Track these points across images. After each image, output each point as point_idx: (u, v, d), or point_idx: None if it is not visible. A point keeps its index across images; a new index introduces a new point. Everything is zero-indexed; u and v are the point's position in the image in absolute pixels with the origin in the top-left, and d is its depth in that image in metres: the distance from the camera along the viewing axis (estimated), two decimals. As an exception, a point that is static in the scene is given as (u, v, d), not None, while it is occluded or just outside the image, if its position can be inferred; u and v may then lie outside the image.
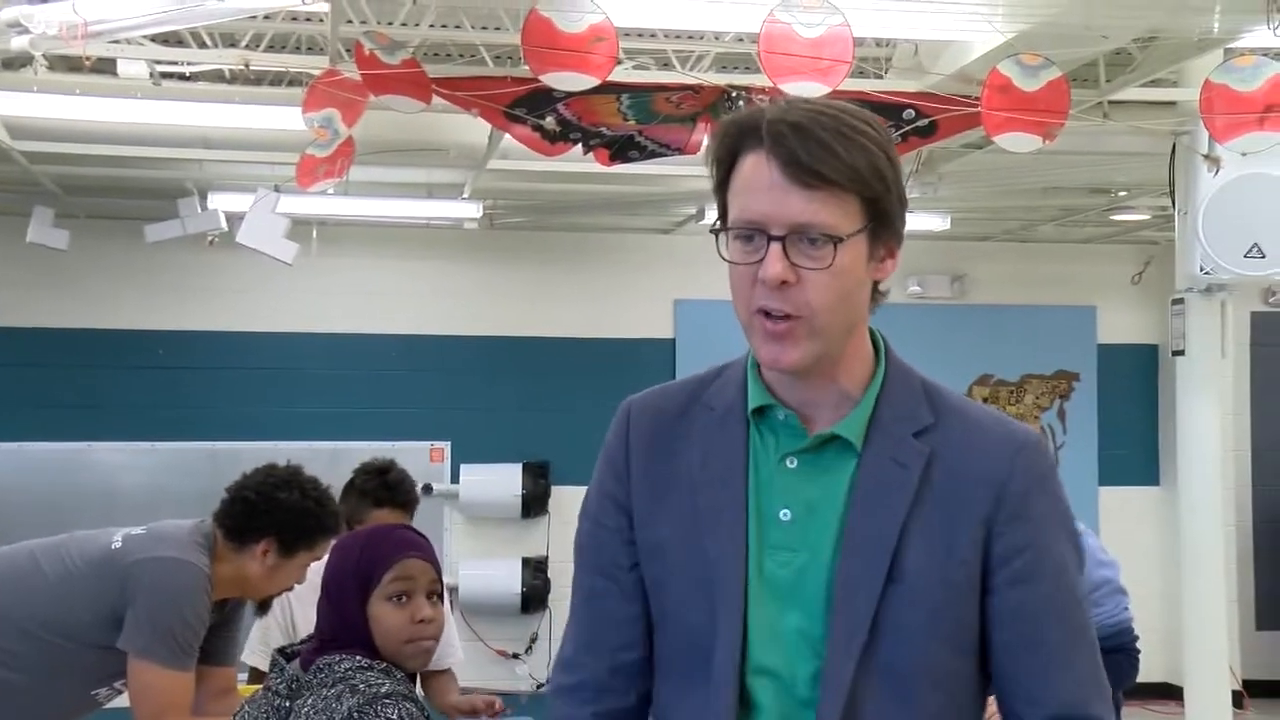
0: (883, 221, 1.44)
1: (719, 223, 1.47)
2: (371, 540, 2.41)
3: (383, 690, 2.21)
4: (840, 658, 1.42)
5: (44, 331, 7.75)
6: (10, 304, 7.72)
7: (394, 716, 2.17)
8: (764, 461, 1.50)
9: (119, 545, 3.05)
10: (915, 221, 7.08)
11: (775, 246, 1.40)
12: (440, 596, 2.37)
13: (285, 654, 2.37)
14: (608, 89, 4.31)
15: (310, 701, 2.23)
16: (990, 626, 1.46)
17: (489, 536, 8.18)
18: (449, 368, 8.12)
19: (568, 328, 8.24)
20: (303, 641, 2.40)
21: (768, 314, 1.42)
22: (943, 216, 7.28)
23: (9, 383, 7.63)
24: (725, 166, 1.46)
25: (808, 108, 1.44)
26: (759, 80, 4.29)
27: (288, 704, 2.26)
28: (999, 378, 8.69)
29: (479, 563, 8.04)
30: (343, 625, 2.30)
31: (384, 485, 3.79)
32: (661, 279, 8.20)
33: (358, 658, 2.27)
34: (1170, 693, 6.79)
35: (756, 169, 1.42)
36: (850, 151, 1.40)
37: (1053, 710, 1.45)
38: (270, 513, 3.09)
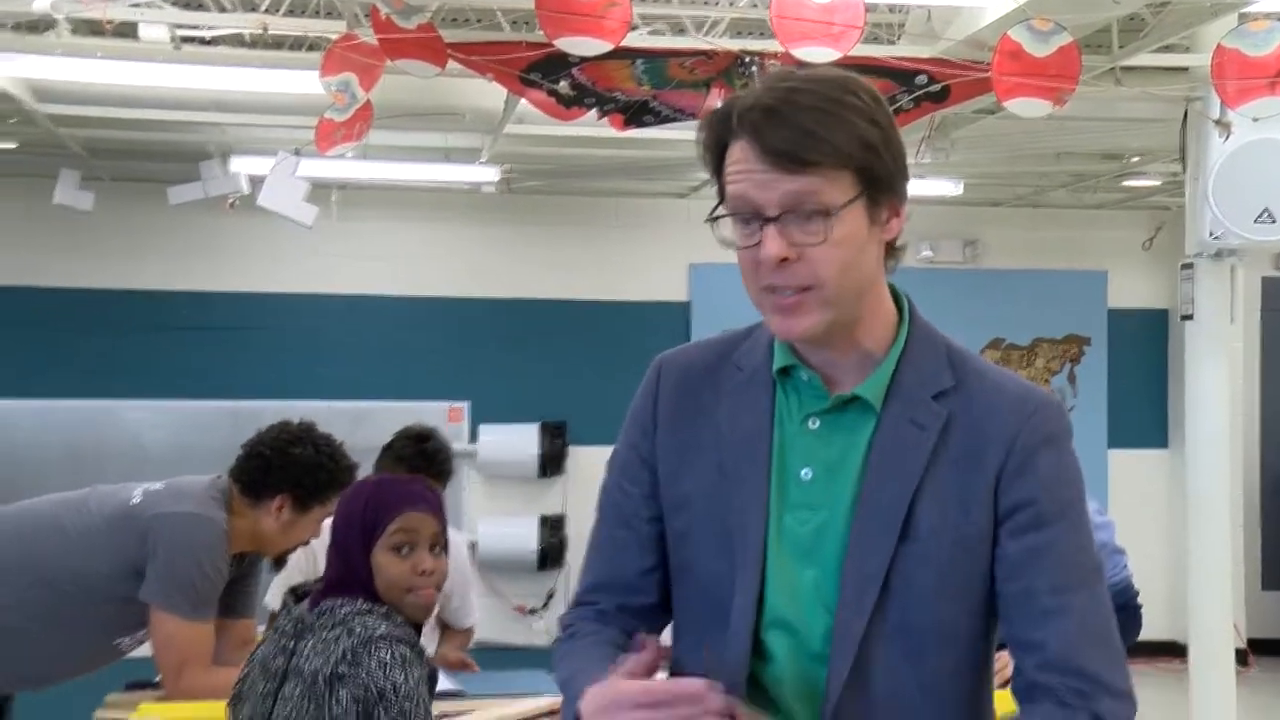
0: (878, 187, 1.43)
1: (718, 207, 1.47)
2: (378, 490, 2.44)
3: (378, 632, 2.26)
4: (851, 614, 1.43)
5: (70, 291, 7.78)
6: (38, 264, 7.75)
7: (387, 658, 2.22)
8: (787, 421, 1.50)
9: (138, 500, 3.08)
10: (928, 187, 7.12)
11: (770, 228, 1.40)
12: (444, 549, 2.40)
13: (296, 595, 2.40)
14: (622, 54, 4.28)
15: (311, 642, 2.28)
16: (996, 579, 1.46)
17: (507, 495, 8.21)
18: (468, 329, 8.13)
19: (585, 290, 8.24)
20: (316, 583, 2.42)
21: (776, 290, 1.43)
22: (955, 181, 7.24)
23: (37, 341, 7.67)
24: (716, 155, 1.46)
25: (785, 87, 1.43)
26: (772, 45, 4.25)
27: (293, 644, 2.30)
28: (1010, 341, 8.66)
29: (497, 521, 8.08)
30: (348, 571, 2.34)
31: (421, 453, 3.83)
32: (677, 243, 8.19)
33: (360, 602, 2.31)
34: (1175, 651, 6.81)
35: (741, 156, 1.42)
36: (829, 128, 1.39)
37: (1045, 658, 1.44)
38: (285, 468, 3.11)
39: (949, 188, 7.26)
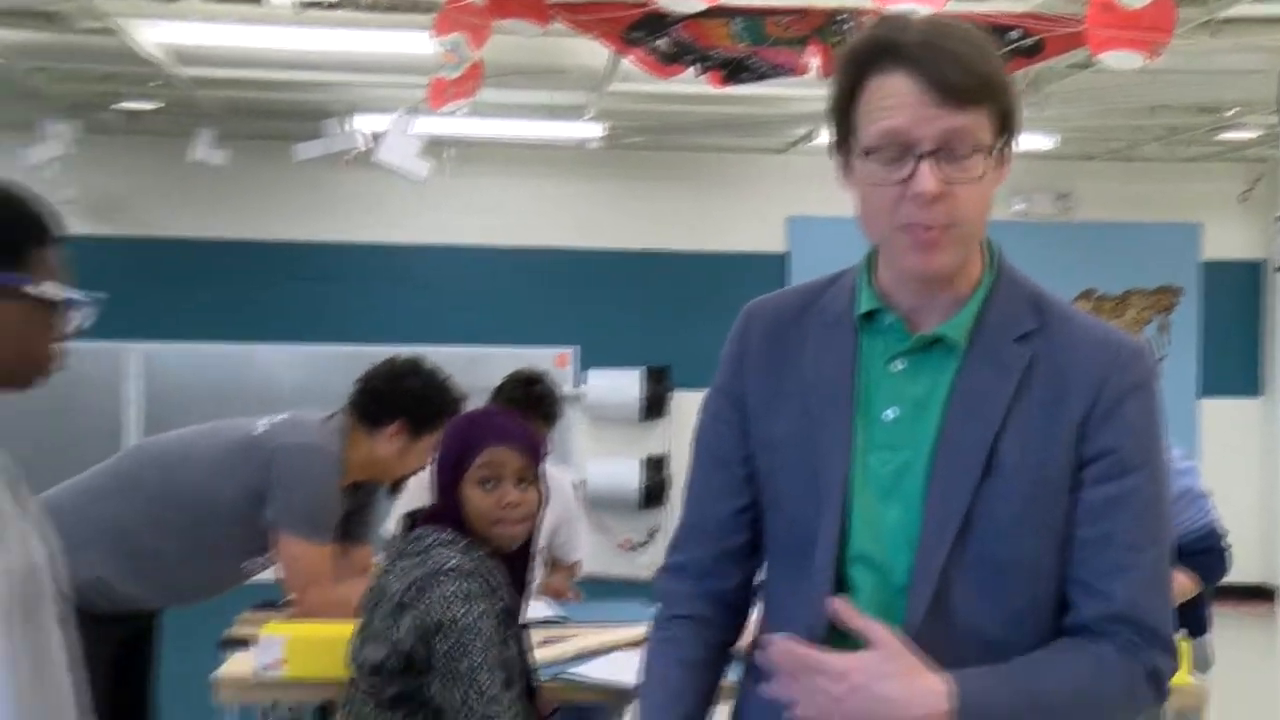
0: (1010, 130, 1.41)
1: (839, 143, 1.43)
2: (469, 426, 2.45)
3: (448, 565, 2.27)
4: (932, 548, 1.40)
5: (207, 242, 7.97)
6: (177, 218, 7.94)
7: (449, 591, 2.23)
8: (871, 364, 1.47)
9: (261, 431, 3.16)
10: (1022, 141, 6.91)
11: (926, 163, 1.35)
12: (532, 483, 2.39)
13: (412, 520, 2.44)
14: (720, 12, 4.22)
15: (397, 568, 2.31)
16: (1071, 523, 1.42)
17: (612, 437, 8.25)
18: (576, 279, 8.17)
19: (687, 242, 8.22)
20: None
21: (915, 226, 1.38)
22: (1049, 135, 7.04)
23: (182, 288, 7.87)
24: (852, 86, 1.40)
25: (936, 24, 1.39)
26: (866, 3, 4.16)
27: (390, 566, 2.34)
28: (1102, 292, 8.44)
29: (603, 461, 8.13)
30: (442, 502, 2.36)
31: (528, 396, 3.85)
32: (775, 197, 8.13)
33: (446, 532, 2.32)
34: (1265, 595, 6.64)
35: (897, 87, 1.36)
36: (985, 66, 1.37)
37: (1111, 609, 1.41)
38: (398, 397, 3.18)
39: (1042, 142, 7.07)
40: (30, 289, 1.59)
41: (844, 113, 1.41)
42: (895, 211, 1.38)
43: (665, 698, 1.54)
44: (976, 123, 1.36)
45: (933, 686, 1.34)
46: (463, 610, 2.22)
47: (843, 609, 1.39)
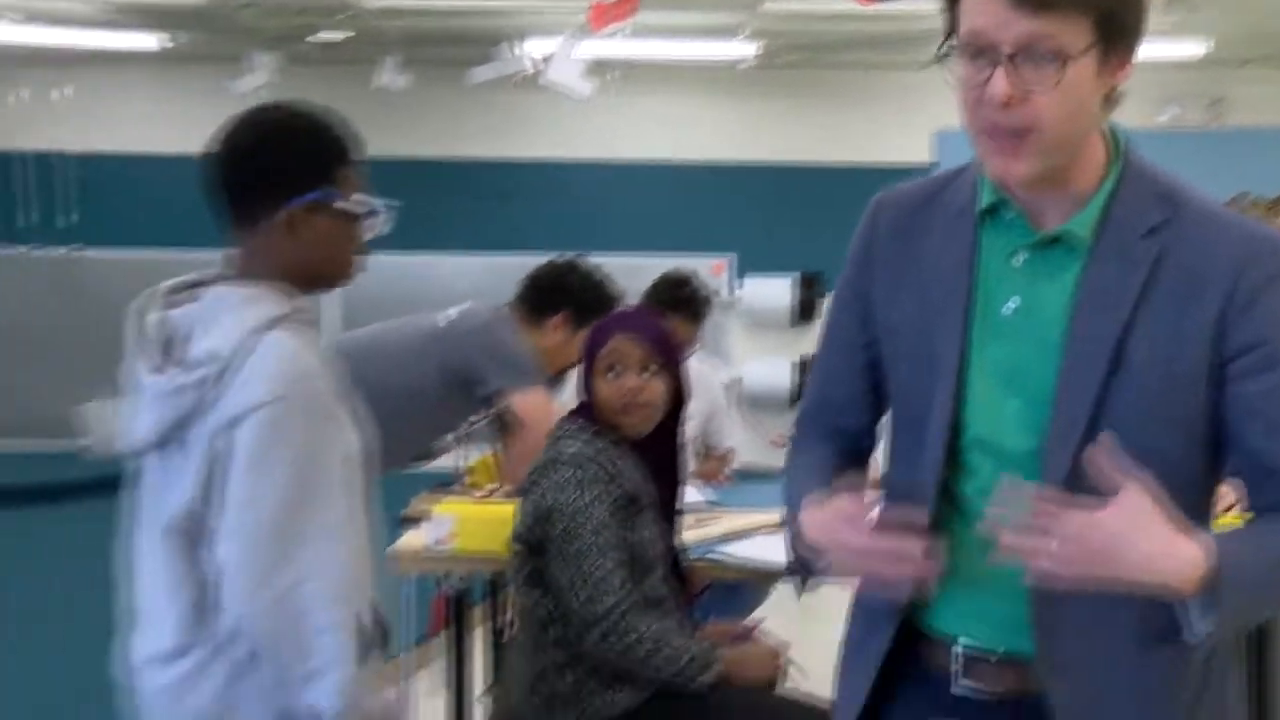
0: (1115, 36, 1.30)
1: (947, 43, 1.36)
2: (600, 322, 2.49)
3: (568, 452, 2.30)
4: (1060, 444, 1.34)
5: (390, 161, 8.17)
6: (366, 140, 8.12)
7: (562, 478, 2.26)
8: (992, 258, 1.41)
9: (446, 321, 3.28)
10: (1173, 48, 6.60)
11: (1002, 67, 1.28)
12: (657, 372, 2.36)
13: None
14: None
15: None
16: (1229, 421, 1.35)
17: (766, 340, 8.26)
18: (732, 191, 8.15)
19: (837, 155, 8.10)
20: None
21: (995, 130, 1.32)
22: (1200, 42, 6.67)
23: (368, 205, 8.12)
24: None
25: None
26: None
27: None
28: (1255, 196, 8.02)
29: (756, 362, 8.15)
30: (581, 393, 2.40)
31: (677, 297, 3.89)
32: (922, 111, 7.90)
33: (575, 423, 2.37)
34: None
35: None
36: None
37: None
38: (562, 290, 3.27)
39: (1193, 49, 6.70)
40: (339, 204, 1.70)
41: (950, 12, 1.36)
42: (976, 114, 1.33)
43: (813, 481, 1.48)
44: (1060, 29, 1.27)
45: (1190, 545, 1.25)
46: (573, 496, 2.23)
47: (1101, 452, 1.27)
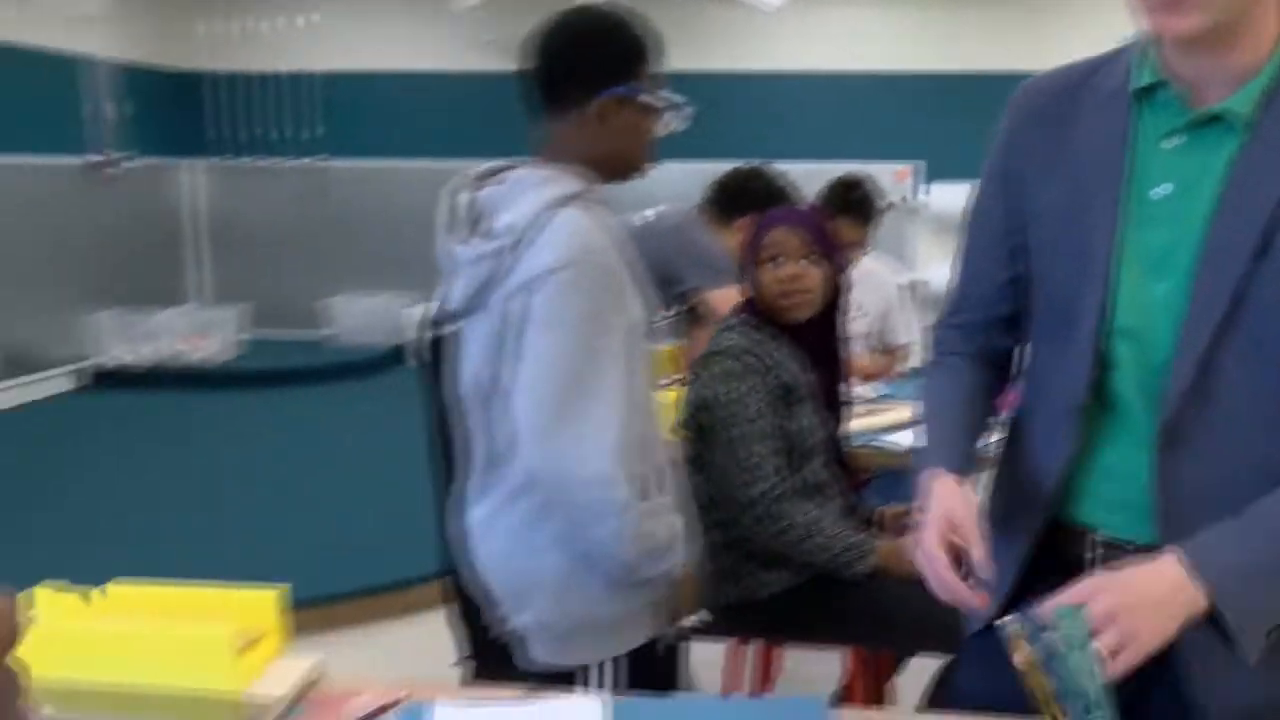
0: None
1: None
2: (760, 218, 2.41)
3: (722, 345, 2.29)
4: (1199, 326, 1.23)
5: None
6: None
7: (718, 370, 2.24)
8: (1143, 141, 1.29)
9: (647, 218, 3.37)
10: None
11: None
12: (816, 260, 2.31)
13: None
14: None
15: None
16: None
17: (949, 243, 8.04)
18: (919, 100, 7.91)
19: (1024, 63, 7.71)
20: None
21: None
22: None
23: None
24: None
25: None
26: None
27: None
28: None
29: (942, 265, 7.97)
30: (746, 287, 2.38)
31: (848, 199, 3.85)
32: (1110, 19, 7.42)
33: (737, 317, 2.35)
34: None
35: None
36: None
37: None
38: (746, 193, 3.35)
39: None
40: (645, 97, 1.72)
41: None
42: None
43: (947, 432, 1.43)
44: None
45: (1177, 579, 1.17)
46: (731, 385, 2.22)
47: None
